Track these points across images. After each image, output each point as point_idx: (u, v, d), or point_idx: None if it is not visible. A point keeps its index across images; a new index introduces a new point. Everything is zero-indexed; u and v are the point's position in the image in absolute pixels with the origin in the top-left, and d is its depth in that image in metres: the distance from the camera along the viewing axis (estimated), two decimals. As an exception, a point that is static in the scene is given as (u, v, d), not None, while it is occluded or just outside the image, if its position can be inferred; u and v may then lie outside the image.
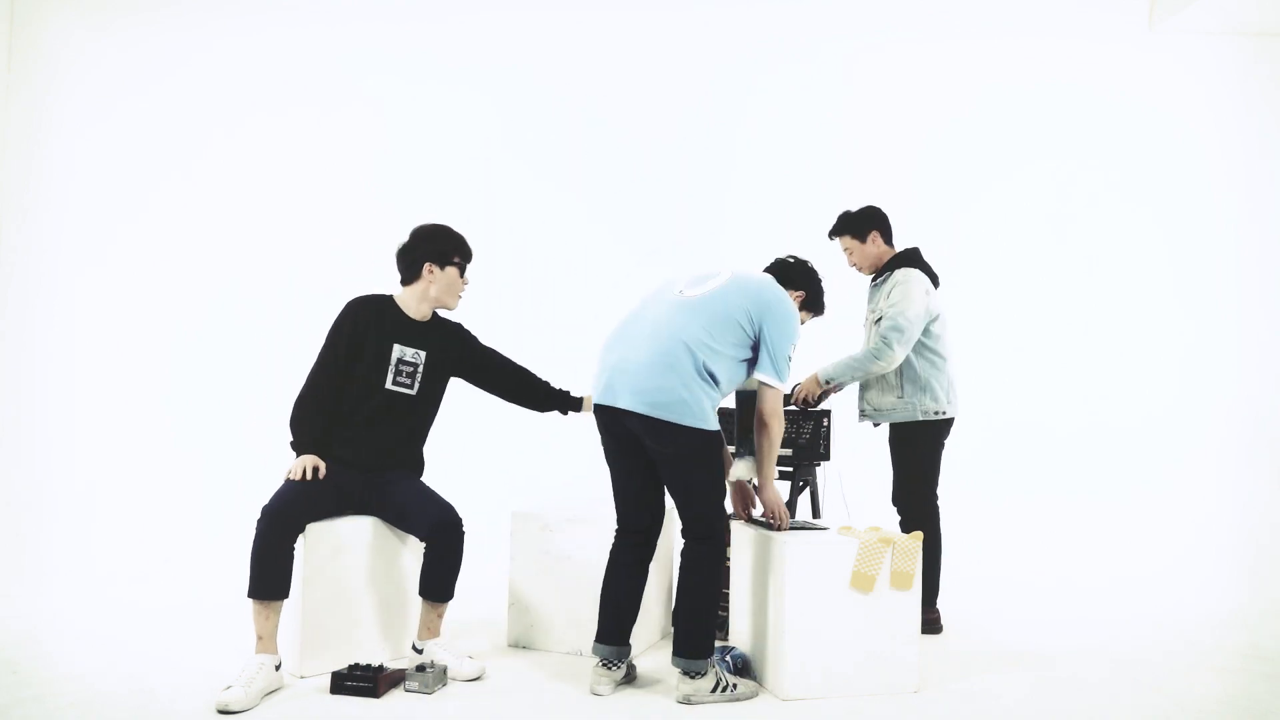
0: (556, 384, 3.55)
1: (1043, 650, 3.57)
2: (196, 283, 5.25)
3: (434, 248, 3.26)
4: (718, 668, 2.98)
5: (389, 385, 3.22)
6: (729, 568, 3.35)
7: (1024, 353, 5.17)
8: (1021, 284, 5.19)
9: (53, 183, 5.32)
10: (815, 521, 3.39)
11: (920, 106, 5.24)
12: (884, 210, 3.93)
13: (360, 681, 2.89)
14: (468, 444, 5.14)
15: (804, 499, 3.85)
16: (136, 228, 5.22)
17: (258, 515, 2.94)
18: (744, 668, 3.17)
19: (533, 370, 3.53)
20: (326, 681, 2.95)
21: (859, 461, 4.71)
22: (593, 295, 4.82)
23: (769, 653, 3.03)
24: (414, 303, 3.29)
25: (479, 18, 5.31)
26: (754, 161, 5.28)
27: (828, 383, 3.81)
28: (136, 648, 3.35)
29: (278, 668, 2.93)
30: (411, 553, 3.35)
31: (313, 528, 3.09)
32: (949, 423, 3.85)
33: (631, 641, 3.08)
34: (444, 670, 3.03)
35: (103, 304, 5.19)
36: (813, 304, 3.44)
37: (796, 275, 3.39)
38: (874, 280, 3.98)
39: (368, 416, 3.20)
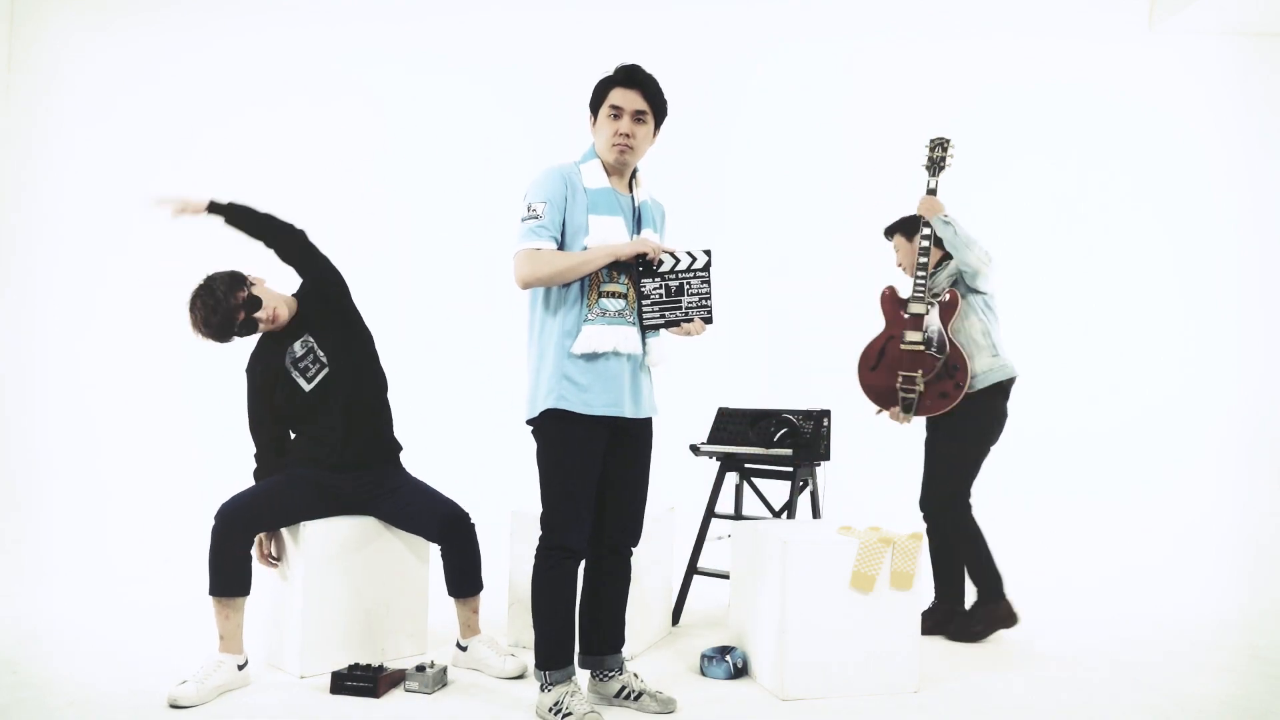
0: None
1: (1043, 650, 3.57)
2: (196, 281, 5.25)
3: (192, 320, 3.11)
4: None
5: (307, 387, 3.16)
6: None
7: (1024, 352, 5.16)
8: (1021, 284, 5.18)
9: (52, 181, 5.33)
10: (815, 522, 3.38)
11: (920, 106, 5.24)
12: None
13: (360, 681, 2.89)
14: (468, 444, 5.15)
15: (804, 499, 3.85)
16: (136, 226, 5.22)
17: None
18: (744, 668, 3.18)
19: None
20: (326, 681, 2.95)
21: (859, 462, 4.72)
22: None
23: (769, 653, 3.03)
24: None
25: (479, 16, 5.31)
26: (753, 160, 5.28)
27: (946, 221, 3.61)
28: (136, 648, 3.35)
29: (241, 667, 2.94)
30: (411, 552, 3.35)
31: (312, 527, 3.09)
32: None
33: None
34: (444, 670, 3.03)
35: (103, 302, 5.20)
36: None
37: None
38: (920, 278, 3.81)
39: (313, 421, 3.17)
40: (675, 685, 3.08)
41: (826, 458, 3.76)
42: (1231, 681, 3.31)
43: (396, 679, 2.98)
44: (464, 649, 3.17)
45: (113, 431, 5.12)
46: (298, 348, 3.18)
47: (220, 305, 3.04)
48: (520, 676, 3.10)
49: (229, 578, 2.93)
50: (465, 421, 5.18)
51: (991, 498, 5.01)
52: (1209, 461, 5.06)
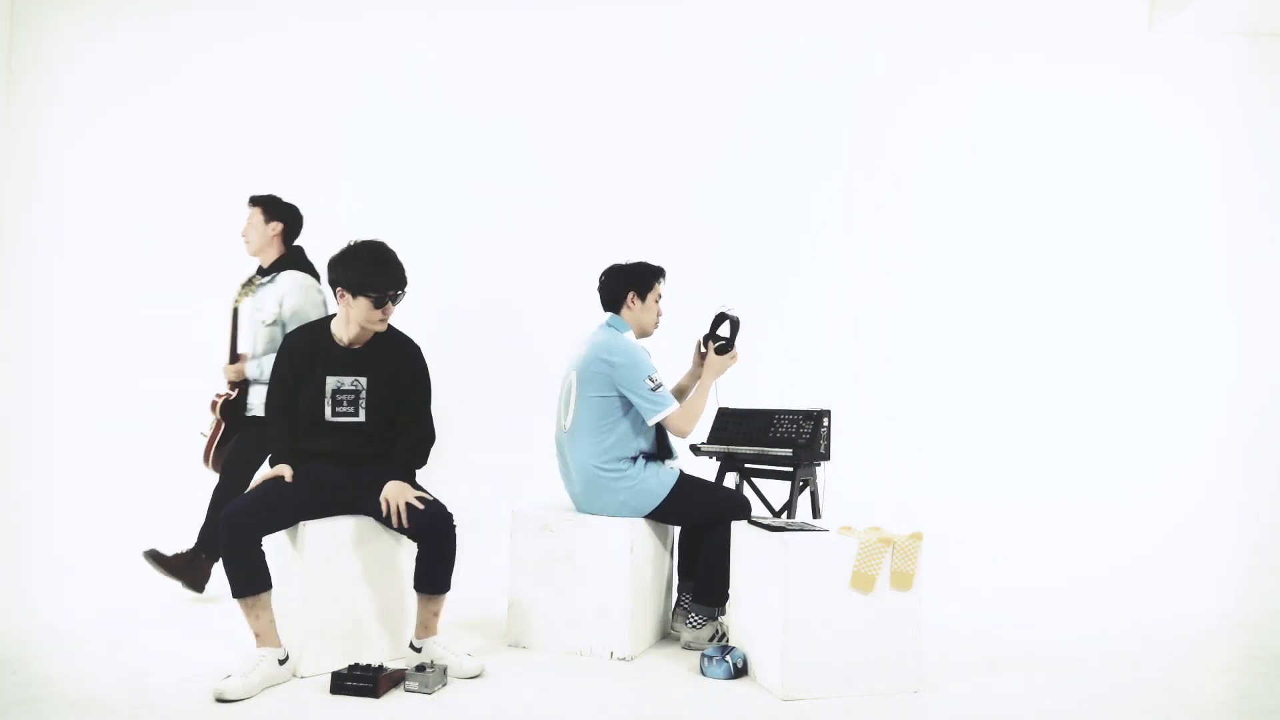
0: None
1: (1042, 650, 3.57)
2: (197, 280, 5.25)
3: (344, 275, 3.13)
4: None
5: (329, 417, 3.18)
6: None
7: (1024, 353, 5.17)
8: (1021, 284, 5.18)
9: (52, 181, 5.33)
10: (815, 522, 3.39)
11: (920, 106, 5.24)
12: None
13: (360, 681, 2.89)
14: (468, 444, 5.14)
15: (804, 499, 3.85)
16: (136, 225, 5.22)
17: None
18: (744, 668, 3.18)
19: (411, 443, 3.28)
20: (326, 681, 2.95)
21: (859, 462, 4.72)
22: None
23: (769, 653, 3.03)
24: (340, 329, 3.22)
25: (479, 15, 5.31)
26: (754, 161, 5.27)
27: None
28: (136, 648, 3.35)
29: (282, 662, 2.95)
30: (410, 552, 3.34)
31: (312, 528, 3.09)
32: None
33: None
34: (444, 670, 3.03)
35: (103, 303, 5.19)
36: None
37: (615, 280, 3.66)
38: None
39: (320, 435, 3.19)
40: (675, 685, 3.08)
41: (826, 458, 3.76)
42: (1231, 681, 3.31)
43: (396, 679, 2.98)
44: (418, 649, 3.14)
45: (113, 431, 5.12)
46: (347, 383, 3.19)
47: (399, 267, 3.14)
48: (478, 676, 3.08)
49: (246, 578, 2.95)
50: (466, 422, 5.18)
51: (991, 498, 5.02)
52: (1209, 461, 5.06)
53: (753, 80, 5.27)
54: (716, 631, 3.50)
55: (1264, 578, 4.68)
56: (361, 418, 3.19)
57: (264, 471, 3.19)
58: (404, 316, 5.21)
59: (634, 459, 3.47)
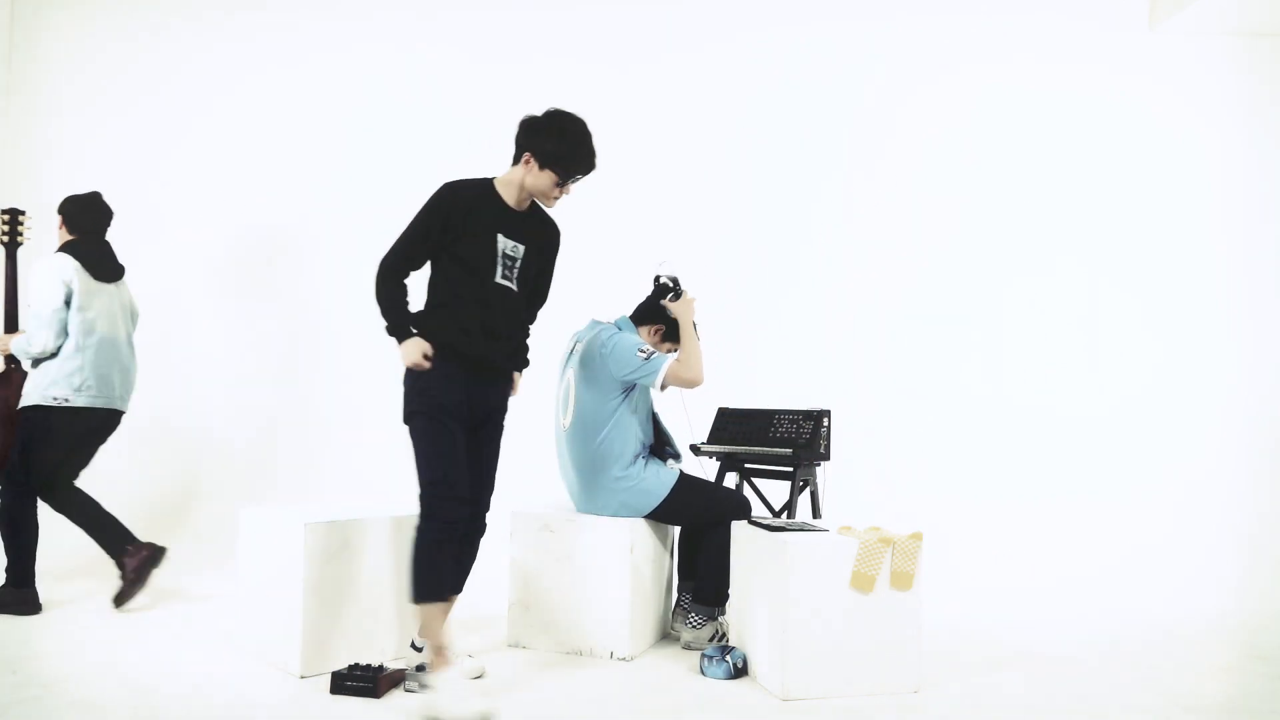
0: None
1: (1042, 650, 3.57)
2: (197, 280, 5.25)
3: (540, 143, 2.91)
4: None
5: (497, 279, 2.93)
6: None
7: (1024, 353, 5.17)
8: (1021, 284, 5.19)
9: (52, 181, 5.32)
10: (815, 523, 3.40)
11: (919, 107, 5.24)
12: None
13: (360, 681, 2.89)
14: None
15: (804, 499, 3.85)
16: (136, 225, 5.22)
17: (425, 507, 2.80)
18: (744, 668, 3.18)
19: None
20: (326, 681, 2.95)
21: (859, 462, 4.73)
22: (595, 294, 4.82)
23: (769, 653, 3.03)
24: (512, 189, 2.98)
25: (479, 16, 5.31)
26: (754, 162, 5.28)
27: None
28: (136, 648, 3.35)
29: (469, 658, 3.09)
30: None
31: (313, 527, 3.09)
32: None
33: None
34: (444, 670, 3.03)
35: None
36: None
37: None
38: None
39: (477, 313, 2.91)
40: (675, 685, 3.08)
41: (826, 458, 3.77)
42: (1231, 681, 3.31)
43: (396, 679, 2.98)
44: (419, 649, 3.04)
45: (115, 431, 5.11)
46: (510, 247, 2.95)
47: (594, 154, 2.97)
48: (479, 677, 3.07)
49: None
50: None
51: (991, 497, 5.02)
52: (1209, 461, 5.06)
53: (753, 81, 5.28)
54: (716, 631, 3.50)
55: (1263, 578, 4.68)
56: (516, 288, 2.99)
57: (410, 353, 2.84)
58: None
59: (634, 459, 3.47)
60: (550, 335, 4.70)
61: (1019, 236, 5.19)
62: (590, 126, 2.96)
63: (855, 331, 5.19)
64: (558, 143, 2.91)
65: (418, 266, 2.96)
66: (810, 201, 5.26)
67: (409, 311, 2.91)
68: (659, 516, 3.47)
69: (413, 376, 2.91)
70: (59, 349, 3.83)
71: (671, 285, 3.55)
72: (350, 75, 5.31)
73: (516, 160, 2.99)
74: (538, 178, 2.94)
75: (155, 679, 3.01)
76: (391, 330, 2.88)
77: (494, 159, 5.29)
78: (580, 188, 5.24)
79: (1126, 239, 5.18)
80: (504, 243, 2.94)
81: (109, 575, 4.31)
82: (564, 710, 2.86)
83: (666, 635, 3.67)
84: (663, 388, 3.38)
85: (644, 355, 3.38)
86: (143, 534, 4.10)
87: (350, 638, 3.16)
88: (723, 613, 3.55)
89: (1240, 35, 5.16)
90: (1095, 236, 5.19)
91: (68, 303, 3.84)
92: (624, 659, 3.34)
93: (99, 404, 3.90)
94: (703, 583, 3.49)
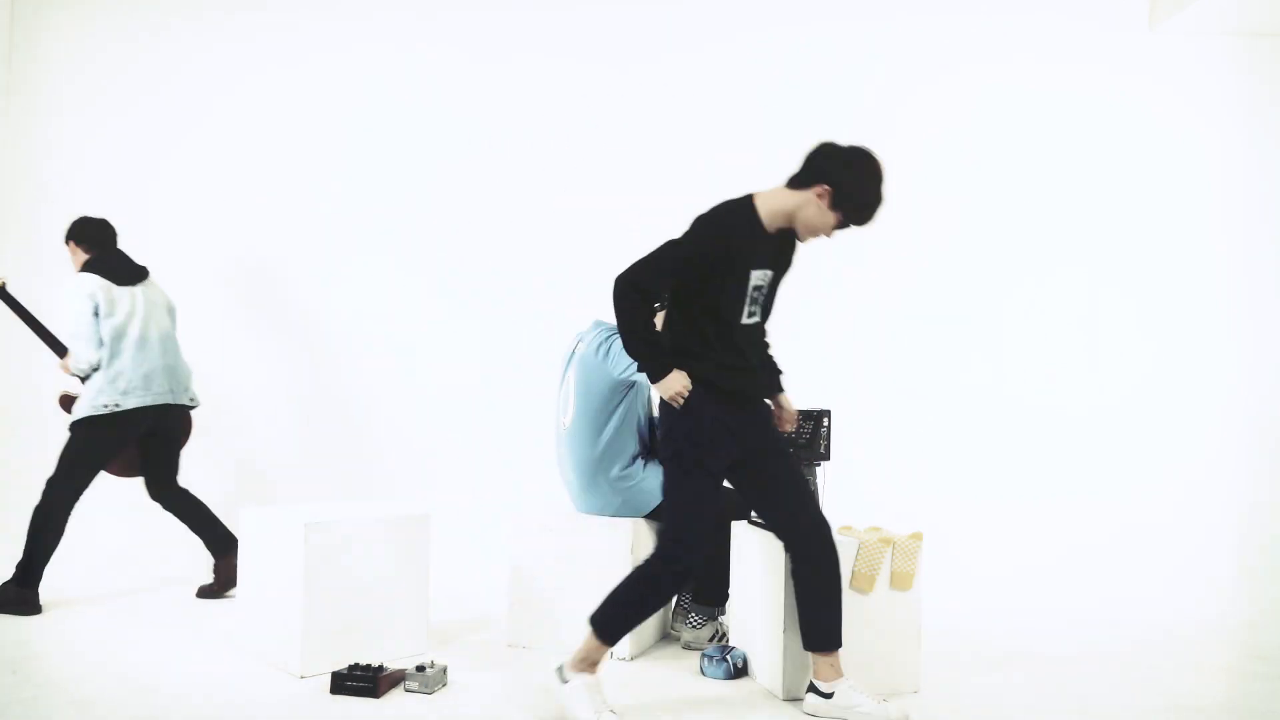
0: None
1: (1042, 650, 3.57)
2: (197, 280, 5.25)
3: (838, 178, 2.67)
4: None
5: (744, 320, 2.75)
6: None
7: (1024, 353, 5.17)
8: (1021, 284, 5.18)
9: (52, 181, 5.33)
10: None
11: (919, 107, 5.23)
12: None
13: (360, 681, 2.89)
14: (469, 443, 5.15)
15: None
16: (136, 225, 5.21)
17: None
18: (744, 668, 3.18)
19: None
20: (326, 681, 2.95)
21: (859, 462, 4.72)
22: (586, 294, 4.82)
23: (769, 653, 3.03)
24: (777, 214, 2.73)
25: (479, 16, 5.31)
26: (755, 162, 5.27)
27: None
28: (136, 648, 3.35)
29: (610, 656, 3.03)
30: (411, 552, 3.34)
31: (313, 527, 3.09)
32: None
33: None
34: (444, 670, 3.03)
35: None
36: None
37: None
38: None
39: (727, 358, 2.74)
40: (675, 685, 3.08)
41: (826, 458, 3.76)
42: (1231, 682, 3.31)
43: (396, 679, 2.98)
44: (566, 678, 2.76)
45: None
46: (760, 278, 2.74)
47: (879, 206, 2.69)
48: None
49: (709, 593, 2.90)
50: (466, 421, 5.18)
51: (991, 498, 5.02)
52: (1209, 461, 5.06)
53: (753, 81, 5.27)
54: (716, 631, 3.50)
55: (1263, 578, 4.68)
56: (759, 318, 2.81)
57: (673, 386, 2.67)
58: (403, 316, 5.24)
59: (634, 459, 3.47)
60: (551, 335, 4.71)
61: (1019, 235, 5.19)
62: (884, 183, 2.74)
63: (855, 331, 5.18)
64: (865, 188, 2.69)
65: (660, 297, 2.81)
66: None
67: (661, 345, 2.73)
68: (659, 516, 3.47)
69: (676, 416, 2.72)
70: (100, 359, 3.97)
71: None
72: (350, 75, 5.30)
73: (801, 184, 2.73)
74: (823, 215, 2.71)
75: (155, 679, 3.01)
76: (645, 367, 2.72)
77: (494, 159, 5.33)
78: (580, 189, 5.26)
79: (1126, 238, 5.18)
80: (756, 277, 2.73)
81: (109, 576, 4.32)
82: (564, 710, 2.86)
83: (666, 635, 3.67)
84: None
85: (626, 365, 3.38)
86: (143, 533, 4.11)
87: (350, 638, 3.15)
88: (723, 613, 3.55)
89: (1240, 35, 5.16)
90: (1095, 236, 5.18)
91: (96, 313, 3.96)
92: (624, 659, 3.34)
93: (149, 402, 4.02)
94: (702, 583, 3.49)
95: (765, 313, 2.87)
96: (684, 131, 5.26)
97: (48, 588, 3.96)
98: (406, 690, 2.94)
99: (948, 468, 5.06)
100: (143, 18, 5.34)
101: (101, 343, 3.96)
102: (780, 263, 2.84)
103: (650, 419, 3.63)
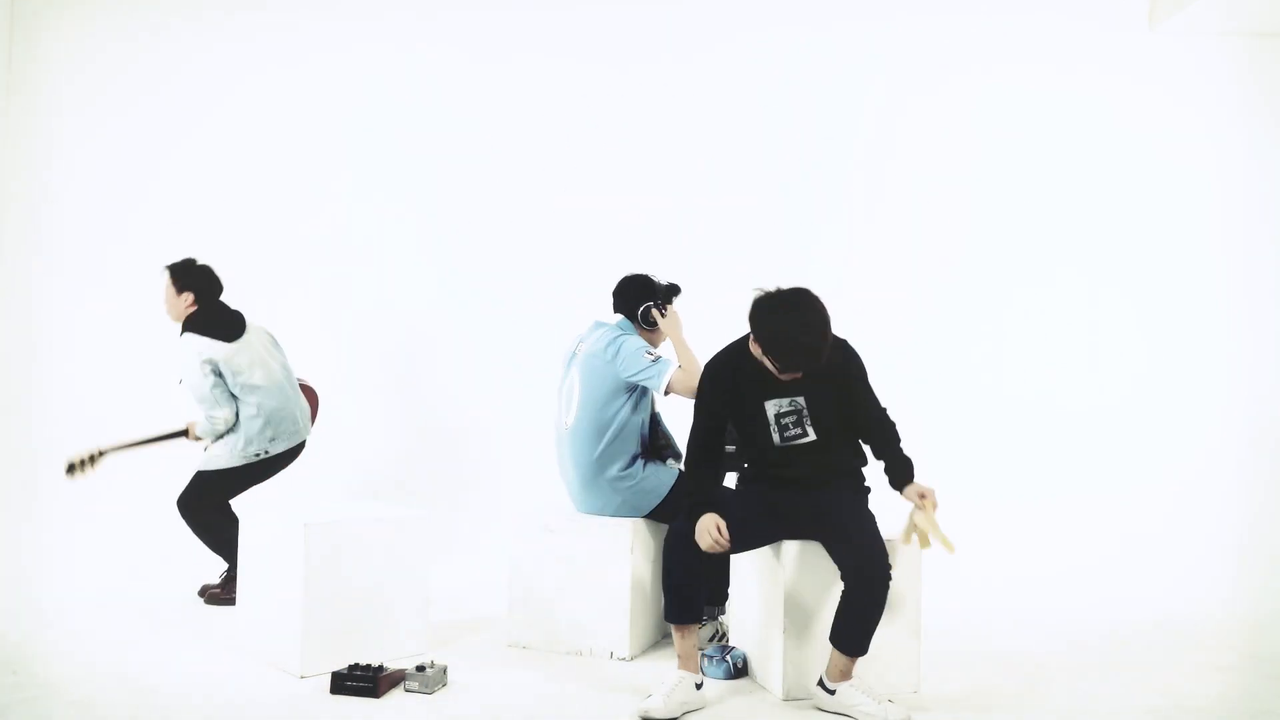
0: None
1: (1042, 650, 3.57)
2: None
3: (759, 335, 2.85)
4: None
5: (779, 442, 2.96)
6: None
7: (1025, 353, 5.17)
8: (1021, 285, 5.18)
9: (53, 181, 5.32)
10: None
11: (919, 108, 5.23)
12: None
13: (360, 681, 2.89)
14: (469, 443, 5.15)
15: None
16: (136, 225, 5.22)
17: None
18: (744, 668, 3.18)
19: (897, 432, 3.07)
20: (326, 681, 2.95)
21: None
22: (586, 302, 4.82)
23: (769, 653, 3.03)
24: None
25: (479, 16, 5.31)
26: (755, 162, 5.27)
27: None
28: (136, 648, 3.35)
29: (698, 686, 2.90)
30: (411, 552, 3.34)
31: (313, 527, 3.09)
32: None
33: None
34: (444, 670, 3.03)
35: (103, 303, 5.19)
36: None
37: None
38: None
39: (776, 473, 3.00)
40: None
41: (826, 458, 3.76)
42: (1231, 681, 3.31)
43: (396, 679, 2.98)
44: (831, 691, 2.87)
45: (112, 429, 5.11)
46: (784, 404, 2.95)
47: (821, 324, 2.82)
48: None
49: (679, 606, 2.91)
50: (467, 420, 5.19)
51: (991, 498, 5.01)
52: (1209, 461, 5.06)
53: (754, 81, 5.27)
54: (716, 631, 3.50)
55: (1263, 578, 4.68)
56: (812, 436, 2.96)
57: (700, 528, 2.85)
58: (403, 317, 5.24)
59: (634, 459, 3.47)
60: (551, 335, 4.71)
61: (1019, 235, 5.19)
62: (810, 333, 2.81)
63: (855, 332, 5.15)
64: (778, 338, 2.81)
65: (720, 449, 3.04)
66: (810, 201, 5.26)
67: (706, 492, 2.94)
68: (659, 516, 3.47)
69: None
70: (236, 414, 4.00)
71: (658, 307, 3.60)
72: (350, 75, 5.29)
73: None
74: (770, 361, 2.85)
75: (155, 679, 3.01)
76: (684, 506, 2.96)
77: (494, 159, 5.33)
78: (580, 189, 5.26)
79: (1126, 239, 5.18)
80: (773, 407, 2.95)
81: (108, 576, 4.31)
82: (564, 710, 2.86)
83: (667, 635, 3.67)
84: (666, 392, 3.38)
85: (651, 358, 3.39)
86: (143, 533, 4.11)
87: (350, 638, 3.15)
88: (723, 612, 3.55)
89: (1240, 35, 5.16)
90: (1095, 236, 5.18)
91: (218, 375, 3.97)
92: (624, 659, 3.34)
93: (294, 441, 4.12)
94: None
95: (839, 425, 2.99)
96: (684, 132, 5.26)
97: (48, 588, 3.97)
98: (406, 690, 2.94)
99: (948, 468, 5.04)
100: (143, 18, 5.33)
101: (233, 397, 3.99)
102: (816, 384, 2.94)
103: (653, 420, 3.63)
